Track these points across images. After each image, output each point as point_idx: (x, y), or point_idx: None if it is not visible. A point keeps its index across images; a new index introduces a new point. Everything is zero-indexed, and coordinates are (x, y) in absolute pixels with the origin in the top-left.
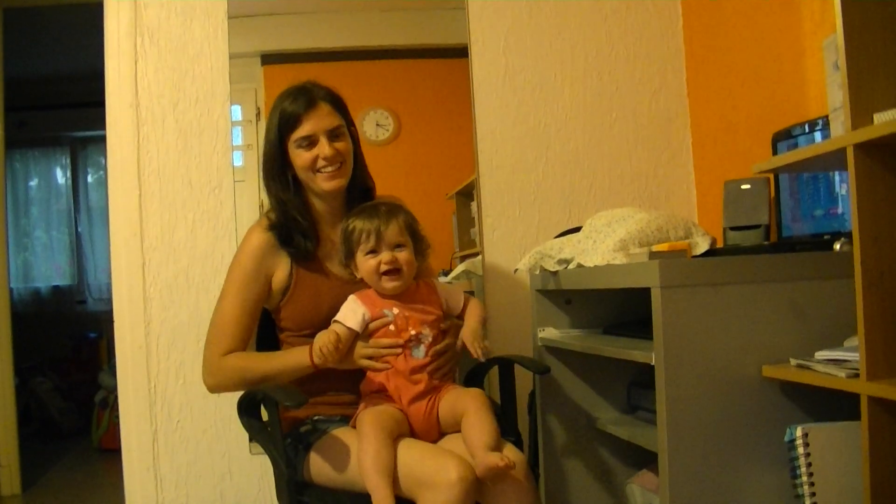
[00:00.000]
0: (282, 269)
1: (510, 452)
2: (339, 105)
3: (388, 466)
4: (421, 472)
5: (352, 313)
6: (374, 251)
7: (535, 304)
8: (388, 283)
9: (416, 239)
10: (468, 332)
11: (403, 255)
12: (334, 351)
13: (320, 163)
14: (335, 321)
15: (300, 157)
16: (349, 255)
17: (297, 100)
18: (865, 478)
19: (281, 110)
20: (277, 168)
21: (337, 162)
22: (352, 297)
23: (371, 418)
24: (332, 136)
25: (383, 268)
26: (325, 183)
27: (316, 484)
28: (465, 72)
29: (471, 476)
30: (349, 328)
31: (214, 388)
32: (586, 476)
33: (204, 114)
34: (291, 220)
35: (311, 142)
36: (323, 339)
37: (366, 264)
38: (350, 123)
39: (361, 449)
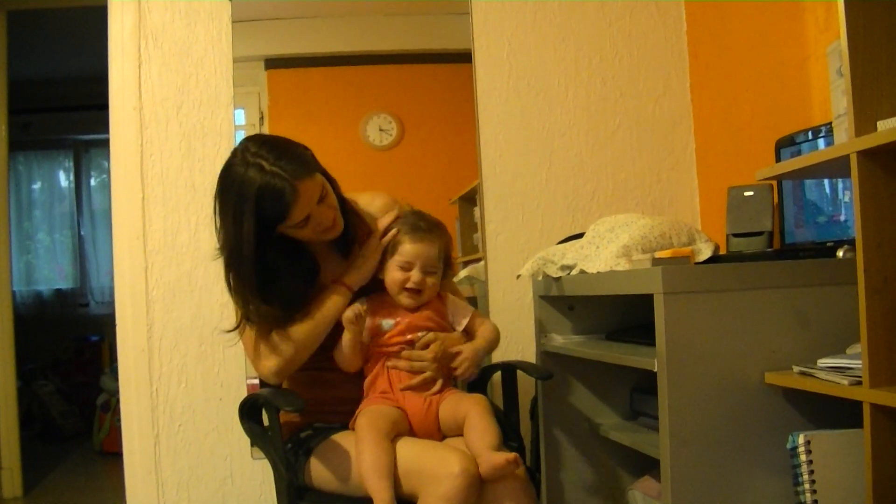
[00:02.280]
0: None
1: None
2: (312, 167)
3: (388, 467)
4: (423, 465)
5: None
6: (406, 267)
7: (537, 309)
8: (406, 299)
9: (446, 265)
10: (469, 348)
11: (431, 281)
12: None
13: (321, 228)
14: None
15: (298, 234)
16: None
17: (278, 201)
18: (868, 485)
19: (259, 211)
20: (256, 267)
21: (334, 221)
22: (362, 301)
23: (367, 421)
24: (320, 200)
25: (409, 285)
26: (325, 236)
27: (316, 489)
28: (468, 77)
29: (473, 469)
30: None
31: (280, 370)
32: (588, 482)
33: (207, 117)
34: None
35: (305, 222)
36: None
37: (394, 273)
38: (322, 169)
39: (359, 452)
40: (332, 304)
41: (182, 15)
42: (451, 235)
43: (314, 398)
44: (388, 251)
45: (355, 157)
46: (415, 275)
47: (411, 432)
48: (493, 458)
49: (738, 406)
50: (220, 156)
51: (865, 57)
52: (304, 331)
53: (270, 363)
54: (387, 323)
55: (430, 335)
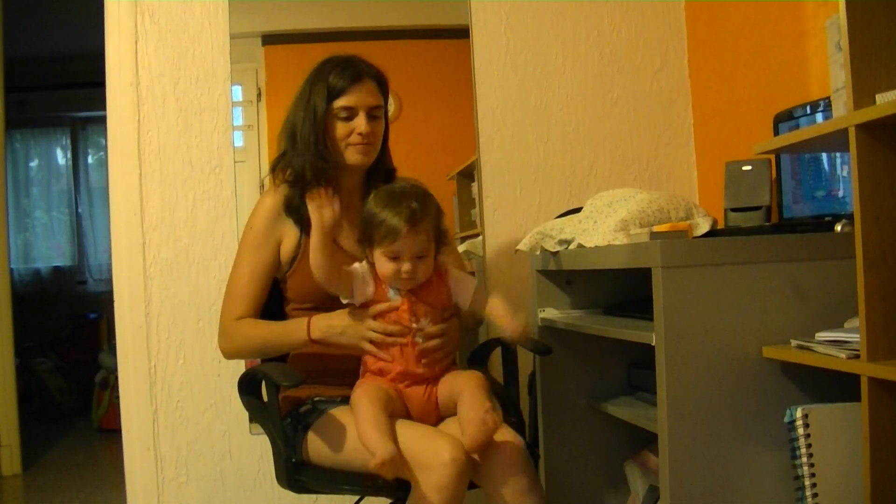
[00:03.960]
0: (290, 237)
1: (507, 435)
2: (383, 85)
3: (388, 428)
4: (415, 453)
5: (361, 282)
6: (395, 258)
7: (535, 284)
8: (403, 285)
9: (439, 241)
10: (500, 307)
11: (423, 266)
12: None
13: (354, 137)
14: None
15: (336, 127)
16: (367, 241)
17: (345, 71)
18: (865, 459)
19: (329, 80)
20: (320, 132)
21: (369, 140)
22: (367, 267)
23: (363, 392)
24: (371, 114)
25: (402, 275)
26: (353, 156)
27: (314, 463)
28: (466, 52)
29: (463, 457)
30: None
31: (227, 353)
32: (586, 457)
33: (204, 93)
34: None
35: (350, 114)
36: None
37: (384, 265)
38: (386, 106)
39: (358, 419)
40: (288, 332)
41: None
42: (439, 205)
43: (314, 370)
44: (374, 240)
45: None
46: (405, 265)
47: (410, 417)
48: (470, 426)
49: (736, 380)
50: (217, 132)
51: (864, 31)
52: (259, 338)
53: (223, 345)
54: (393, 294)
55: (437, 328)
